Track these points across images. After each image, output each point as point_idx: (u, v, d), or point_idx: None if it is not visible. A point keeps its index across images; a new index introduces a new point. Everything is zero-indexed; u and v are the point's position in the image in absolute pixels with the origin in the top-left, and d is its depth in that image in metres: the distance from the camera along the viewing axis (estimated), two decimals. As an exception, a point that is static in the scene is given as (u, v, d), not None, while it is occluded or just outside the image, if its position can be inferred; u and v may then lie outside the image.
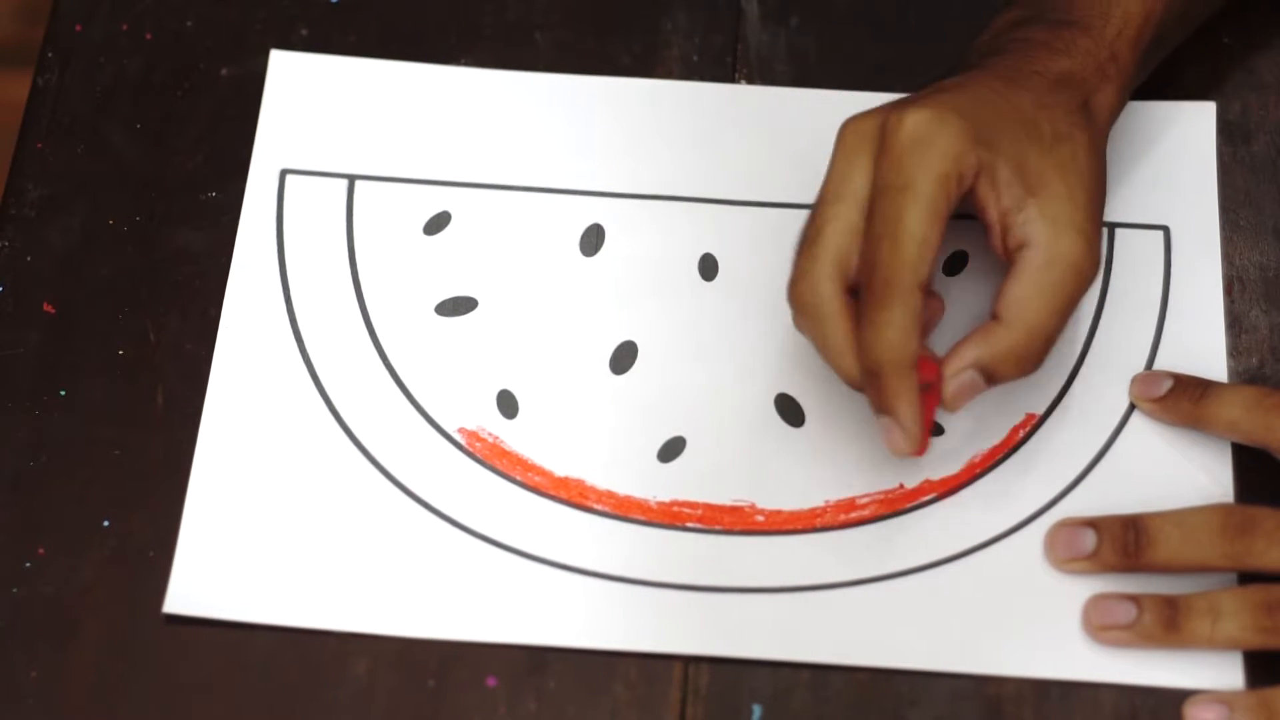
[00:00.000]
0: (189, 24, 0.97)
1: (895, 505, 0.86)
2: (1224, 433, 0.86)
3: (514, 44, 0.97)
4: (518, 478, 0.87)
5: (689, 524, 0.86)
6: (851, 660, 0.83)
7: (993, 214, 0.83)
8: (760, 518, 0.86)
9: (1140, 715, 0.82)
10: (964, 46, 0.90)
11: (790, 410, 0.88)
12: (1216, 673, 0.82)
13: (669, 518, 0.86)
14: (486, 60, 0.96)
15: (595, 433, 0.88)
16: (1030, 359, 0.83)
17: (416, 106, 0.95)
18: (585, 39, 0.97)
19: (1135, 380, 0.88)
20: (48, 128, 0.94)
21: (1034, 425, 0.88)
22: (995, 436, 0.87)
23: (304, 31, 0.97)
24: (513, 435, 0.88)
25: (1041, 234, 0.82)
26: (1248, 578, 0.83)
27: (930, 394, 0.83)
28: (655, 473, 0.87)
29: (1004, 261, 0.83)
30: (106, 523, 0.86)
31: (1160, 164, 0.93)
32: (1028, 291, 0.82)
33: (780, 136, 0.94)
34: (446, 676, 0.83)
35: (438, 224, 0.92)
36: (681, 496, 0.86)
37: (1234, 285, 0.91)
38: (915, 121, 0.81)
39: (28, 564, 0.85)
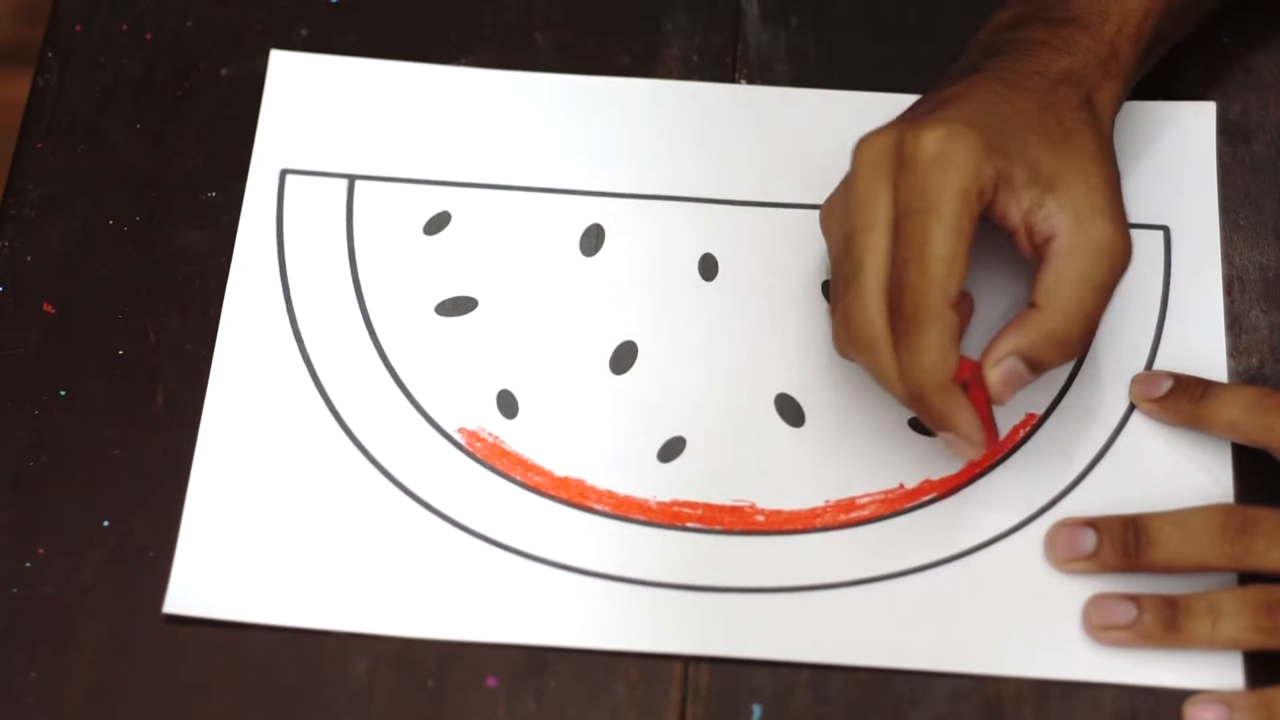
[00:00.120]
0: (189, 24, 0.97)
1: (895, 505, 0.86)
2: (1224, 433, 0.86)
3: (514, 44, 0.97)
4: (518, 478, 0.87)
5: (689, 524, 0.86)
6: (851, 660, 0.83)
7: (1015, 218, 0.83)
8: (760, 518, 0.86)
9: (1140, 715, 0.82)
10: (961, 44, 0.90)
11: (790, 410, 0.88)
12: (1216, 673, 0.82)
13: (669, 518, 0.86)
14: (486, 60, 0.96)
15: (595, 433, 0.88)
16: (1072, 341, 0.82)
17: (416, 106, 0.95)
18: (585, 39, 0.97)
19: (1135, 380, 0.88)
20: (48, 128, 0.94)
21: (1034, 425, 0.88)
22: (995, 436, 0.88)
23: (304, 31, 0.97)
24: (513, 435, 0.88)
25: (1065, 224, 0.82)
26: (1248, 578, 0.83)
27: (977, 389, 0.82)
28: (655, 473, 0.87)
29: (1034, 262, 0.83)
30: (106, 523, 0.86)
31: (1160, 164, 0.93)
32: (1061, 276, 0.82)
33: (780, 136, 0.94)
34: (446, 676, 0.83)
35: (438, 224, 0.92)
36: (681, 496, 0.86)
37: (1234, 285, 0.91)
38: (932, 140, 0.81)
39: (28, 564, 0.85)
